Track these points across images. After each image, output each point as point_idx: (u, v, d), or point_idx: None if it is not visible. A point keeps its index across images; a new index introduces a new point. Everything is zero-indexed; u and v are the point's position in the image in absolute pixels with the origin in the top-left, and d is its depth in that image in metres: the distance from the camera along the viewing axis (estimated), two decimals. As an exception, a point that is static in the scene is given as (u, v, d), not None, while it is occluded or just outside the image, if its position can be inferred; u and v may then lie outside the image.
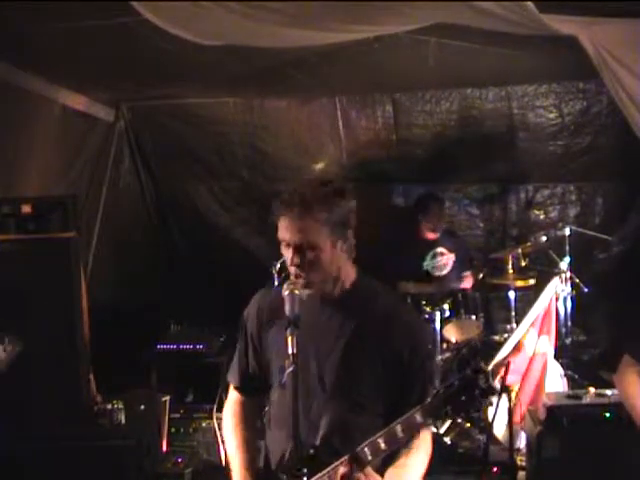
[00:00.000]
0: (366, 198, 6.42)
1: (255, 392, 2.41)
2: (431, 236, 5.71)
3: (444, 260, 5.70)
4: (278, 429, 2.22)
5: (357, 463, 1.95)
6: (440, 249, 5.72)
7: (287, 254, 2.14)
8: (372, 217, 6.49)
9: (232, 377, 2.47)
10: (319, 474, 2.02)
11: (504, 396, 3.74)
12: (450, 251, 5.73)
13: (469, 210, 6.45)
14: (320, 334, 2.17)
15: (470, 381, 1.87)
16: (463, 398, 1.86)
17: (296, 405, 1.97)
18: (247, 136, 6.30)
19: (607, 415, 3.71)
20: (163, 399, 4.50)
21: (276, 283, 4.57)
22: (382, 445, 1.95)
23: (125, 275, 6.08)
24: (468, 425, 5.07)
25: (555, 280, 4.89)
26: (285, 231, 2.11)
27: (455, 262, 5.72)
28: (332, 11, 3.26)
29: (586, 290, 5.43)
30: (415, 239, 5.72)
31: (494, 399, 3.54)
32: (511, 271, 5.49)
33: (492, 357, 4.40)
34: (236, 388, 2.46)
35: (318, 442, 2.07)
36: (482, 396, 1.86)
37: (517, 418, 4.23)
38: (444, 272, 5.72)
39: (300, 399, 2.01)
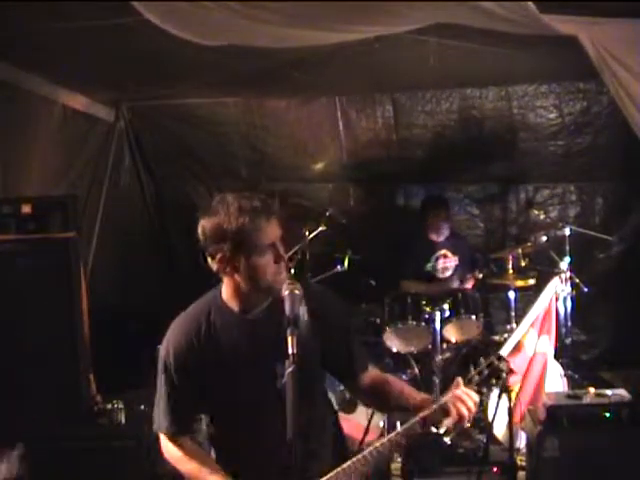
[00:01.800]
0: (366, 198, 6.51)
1: (191, 430, 2.28)
2: (435, 238, 5.68)
3: (447, 263, 5.69)
4: (256, 455, 2.16)
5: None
6: (443, 251, 5.70)
7: (274, 256, 2.15)
8: (372, 217, 6.53)
9: (168, 425, 2.23)
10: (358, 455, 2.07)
11: (504, 396, 3.74)
12: (454, 254, 5.71)
13: (469, 210, 6.44)
14: (273, 337, 2.09)
15: (495, 366, 2.24)
16: (493, 381, 2.25)
17: (297, 404, 1.94)
18: (247, 136, 6.30)
19: (607, 415, 3.70)
20: (163, 399, 4.49)
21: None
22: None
23: (125, 275, 6.08)
24: (468, 425, 5.07)
25: (555, 280, 4.88)
26: (276, 230, 2.16)
27: (458, 265, 5.71)
28: (332, 11, 3.26)
29: (586, 290, 5.41)
30: (418, 240, 5.70)
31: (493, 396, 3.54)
32: (511, 271, 5.48)
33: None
34: (172, 436, 2.25)
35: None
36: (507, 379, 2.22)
37: (517, 418, 4.22)
38: (446, 275, 5.71)
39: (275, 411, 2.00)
